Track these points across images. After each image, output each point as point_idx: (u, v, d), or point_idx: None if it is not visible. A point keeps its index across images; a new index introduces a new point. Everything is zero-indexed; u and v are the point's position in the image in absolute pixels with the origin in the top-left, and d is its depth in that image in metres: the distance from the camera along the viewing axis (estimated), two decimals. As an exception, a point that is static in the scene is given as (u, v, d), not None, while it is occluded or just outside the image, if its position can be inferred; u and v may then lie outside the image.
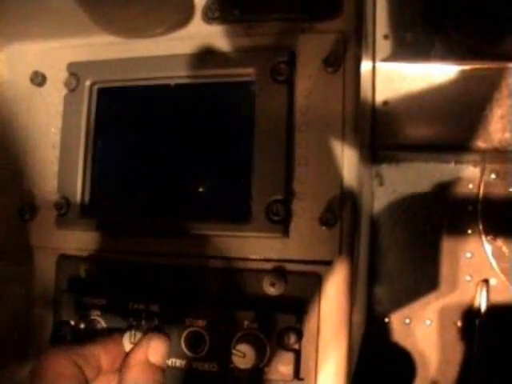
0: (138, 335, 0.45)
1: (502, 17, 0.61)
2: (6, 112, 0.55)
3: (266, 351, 0.46)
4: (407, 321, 0.69)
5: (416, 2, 0.63)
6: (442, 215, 0.69)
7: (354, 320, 0.48)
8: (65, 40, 0.54)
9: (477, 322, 0.66)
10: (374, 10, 0.61)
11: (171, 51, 0.51)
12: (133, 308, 0.49)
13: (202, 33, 0.50)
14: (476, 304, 0.67)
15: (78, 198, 0.52)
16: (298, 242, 0.47)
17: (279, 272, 0.47)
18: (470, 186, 0.68)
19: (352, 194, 0.47)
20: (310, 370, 0.46)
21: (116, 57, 0.52)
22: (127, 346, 0.44)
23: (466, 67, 0.60)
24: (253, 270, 0.48)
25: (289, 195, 0.47)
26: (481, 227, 0.68)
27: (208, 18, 0.50)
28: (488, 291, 0.66)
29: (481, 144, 0.61)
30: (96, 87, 0.53)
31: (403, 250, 0.70)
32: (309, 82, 0.48)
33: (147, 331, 0.46)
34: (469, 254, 0.68)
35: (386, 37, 0.63)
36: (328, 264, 0.46)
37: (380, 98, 0.62)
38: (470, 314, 0.67)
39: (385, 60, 0.62)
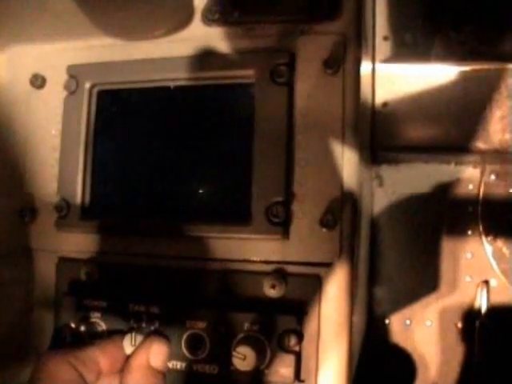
0: (139, 337, 0.45)
1: (501, 17, 0.61)
2: (6, 114, 0.55)
3: (266, 353, 0.46)
4: (407, 322, 0.69)
5: (416, 3, 0.63)
6: (442, 216, 0.69)
7: (355, 321, 0.48)
8: (64, 42, 0.54)
9: (477, 322, 0.66)
10: (373, 11, 0.61)
11: (171, 53, 0.51)
12: (133, 310, 0.49)
13: (202, 35, 0.50)
14: (476, 305, 0.67)
15: (78, 200, 0.52)
16: (298, 244, 0.47)
17: (279, 274, 0.47)
18: (470, 186, 0.68)
19: (352, 195, 0.47)
20: (311, 372, 0.46)
21: (116, 59, 0.52)
22: (128, 349, 0.44)
23: (466, 68, 0.60)
24: (253, 272, 0.48)
25: (289, 197, 0.47)
26: (481, 228, 0.68)
27: (208, 19, 0.50)
28: (488, 292, 0.66)
29: (481, 145, 0.61)
30: (96, 89, 0.53)
31: (403, 251, 0.70)
32: (309, 83, 0.48)
33: (148, 334, 0.46)
34: (469, 255, 0.68)
35: (385, 38, 0.63)
36: (328, 266, 0.46)
37: (380, 99, 0.62)
38: (470, 315, 0.67)
39: (384, 61, 0.62)
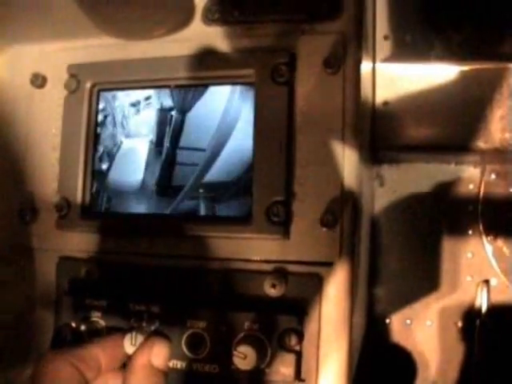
0: (139, 337, 0.45)
1: (501, 18, 0.61)
2: (7, 114, 0.55)
3: (266, 352, 0.46)
4: (408, 321, 0.69)
5: (416, 2, 0.62)
6: (443, 216, 0.68)
7: (355, 321, 0.48)
8: (65, 42, 0.54)
9: (477, 322, 0.66)
10: (373, 10, 0.61)
11: (171, 53, 0.51)
12: (134, 309, 0.49)
13: (202, 34, 0.50)
14: (477, 304, 0.66)
15: (79, 199, 0.52)
16: (299, 243, 0.47)
17: (280, 273, 0.47)
18: (471, 186, 0.68)
19: (352, 194, 0.47)
20: (311, 371, 0.46)
21: (116, 58, 0.52)
22: (128, 348, 0.44)
23: (466, 68, 0.60)
24: (253, 272, 0.48)
25: (289, 196, 0.47)
26: (481, 227, 0.67)
27: (208, 19, 0.50)
28: (488, 291, 0.66)
29: (481, 144, 0.61)
30: (96, 89, 0.53)
31: (404, 250, 0.70)
32: (309, 83, 0.48)
33: (148, 333, 0.46)
34: (469, 255, 0.68)
35: (385, 37, 0.63)
36: (329, 265, 0.46)
37: (380, 98, 0.62)
38: (470, 314, 0.67)
39: (385, 61, 0.62)
